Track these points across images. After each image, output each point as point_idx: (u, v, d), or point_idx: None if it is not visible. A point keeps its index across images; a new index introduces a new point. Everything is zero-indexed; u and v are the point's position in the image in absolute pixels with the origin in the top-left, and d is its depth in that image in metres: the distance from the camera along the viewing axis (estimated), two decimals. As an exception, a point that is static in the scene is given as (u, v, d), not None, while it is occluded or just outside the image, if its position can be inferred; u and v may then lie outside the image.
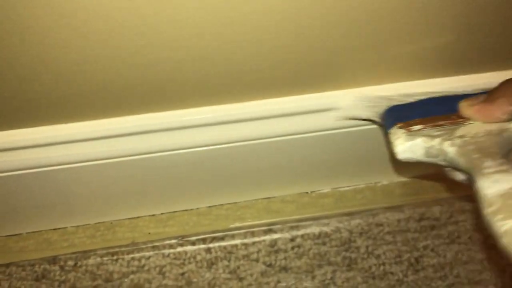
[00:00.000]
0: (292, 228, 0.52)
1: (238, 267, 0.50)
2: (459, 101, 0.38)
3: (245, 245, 0.51)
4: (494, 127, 0.35)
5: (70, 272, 0.49)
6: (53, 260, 0.49)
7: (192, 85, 0.41)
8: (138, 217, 0.53)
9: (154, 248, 0.50)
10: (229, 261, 0.51)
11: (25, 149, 0.43)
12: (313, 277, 0.50)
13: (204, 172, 0.51)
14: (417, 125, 0.38)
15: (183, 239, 0.51)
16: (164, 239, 0.51)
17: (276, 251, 0.51)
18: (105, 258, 0.50)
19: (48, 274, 0.49)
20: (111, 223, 0.53)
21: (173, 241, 0.51)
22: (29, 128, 0.42)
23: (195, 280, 0.50)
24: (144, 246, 0.50)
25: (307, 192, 0.56)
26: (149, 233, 0.52)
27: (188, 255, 0.51)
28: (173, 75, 0.39)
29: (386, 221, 0.53)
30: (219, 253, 0.51)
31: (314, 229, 0.52)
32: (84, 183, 0.49)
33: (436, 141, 0.36)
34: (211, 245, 0.51)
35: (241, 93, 0.44)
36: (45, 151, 0.43)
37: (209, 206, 0.55)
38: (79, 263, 0.49)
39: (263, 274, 0.50)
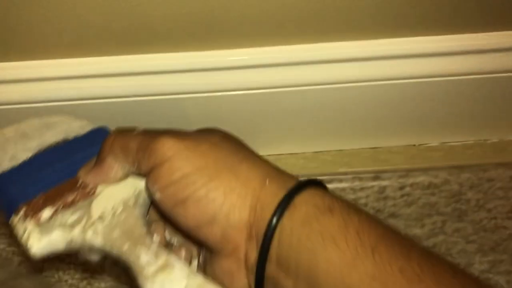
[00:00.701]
0: (400, 177, 0.52)
1: (346, 210, 0.51)
2: (76, 165, 0.33)
3: (353, 190, 0.52)
4: (127, 193, 0.32)
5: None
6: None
7: (333, 17, 0.41)
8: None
9: (264, 185, 0.52)
10: (337, 203, 0.51)
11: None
12: (423, 225, 0.50)
13: (313, 115, 0.51)
14: (45, 206, 0.31)
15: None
16: (273, 178, 0.52)
17: (385, 198, 0.51)
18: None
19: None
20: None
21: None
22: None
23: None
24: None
25: (414, 145, 0.55)
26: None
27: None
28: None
29: (497, 177, 0.52)
30: (327, 195, 0.51)
31: (423, 180, 0.52)
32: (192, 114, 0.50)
33: (77, 232, 0.30)
34: (319, 187, 0.52)
35: (374, 30, 0.44)
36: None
37: (315, 152, 0.55)
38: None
39: (372, 218, 0.50)
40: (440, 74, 0.47)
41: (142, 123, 0.38)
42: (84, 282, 0.47)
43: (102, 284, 0.46)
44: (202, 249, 0.33)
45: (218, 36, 0.44)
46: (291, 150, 0.55)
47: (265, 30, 0.44)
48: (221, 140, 0.32)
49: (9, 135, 0.36)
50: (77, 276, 0.47)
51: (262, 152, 0.55)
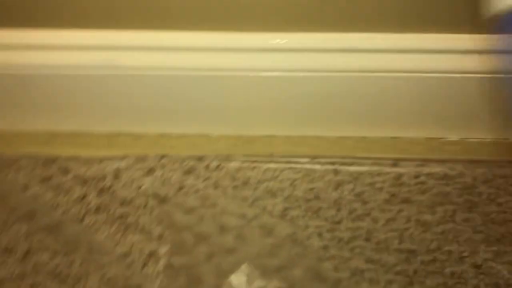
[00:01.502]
0: (417, 165, 0.55)
1: (363, 192, 0.54)
2: None
3: (371, 174, 0.55)
4: None
5: (213, 171, 0.55)
6: (200, 158, 0.56)
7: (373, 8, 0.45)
8: (273, 135, 0.59)
9: (288, 162, 0.55)
10: (355, 185, 0.55)
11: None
12: (434, 212, 0.53)
13: (338, 101, 0.55)
14: None
15: (314, 159, 0.56)
16: (297, 157, 0.56)
17: (400, 184, 0.54)
18: (244, 164, 0.55)
19: (194, 170, 0.55)
20: (250, 137, 0.58)
21: (305, 159, 0.56)
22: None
23: (322, 196, 0.54)
24: (280, 159, 0.56)
25: (434, 138, 0.58)
26: (284, 151, 0.57)
27: (318, 174, 0.55)
28: None
29: (511, 174, 0.55)
30: (346, 177, 0.55)
31: (439, 170, 0.55)
32: (230, 95, 0.54)
33: None
34: (339, 168, 0.55)
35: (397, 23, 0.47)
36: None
37: (338, 137, 0.59)
38: (222, 165, 0.55)
39: (386, 201, 0.54)
40: (461, 71, 0.50)
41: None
42: (119, 234, 0.52)
43: (136, 237, 0.51)
44: None
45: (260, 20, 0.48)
46: (316, 133, 0.59)
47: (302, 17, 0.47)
48: None
49: None
50: (114, 228, 0.52)
51: (290, 132, 0.59)
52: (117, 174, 0.55)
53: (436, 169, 0.55)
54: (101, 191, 0.54)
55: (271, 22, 0.49)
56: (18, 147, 0.57)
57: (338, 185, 0.55)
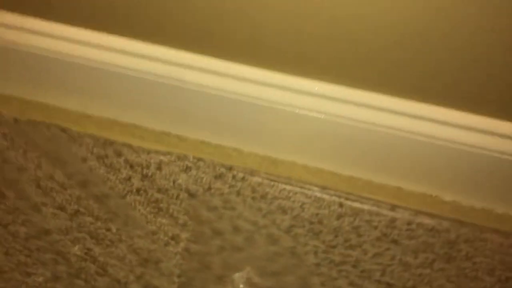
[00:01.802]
0: (411, 214, 0.64)
1: (360, 227, 0.63)
2: None
3: (370, 213, 0.64)
4: None
5: (238, 181, 0.65)
6: (230, 168, 0.66)
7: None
8: (295, 162, 0.68)
9: (302, 187, 0.65)
10: (354, 219, 0.64)
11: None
12: (416, 257, 0.62)
13: (356, 146, 0.64)
14: None
15: (324, 190, 0.65)
16: (311, 185, 0.65)
17: (393, 227, 0.63)
18: (265, 181, 0.65)
19: (223, 176, 0.65)
20: (275, 159, 0.68)
21: (317, 188, 0.65)
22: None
23: (325, 222, 0.63)
24: (295, 183, 0.65)
25: (431, 195, 0.67)
26: (301, 177, 0.67)
27: (325, 203, 0.64)
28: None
29: (490, 240, 0.63)
30: (348, 211, 0.64)
31: (429, 223, 0.63)
32: (267, 122, 0.64)
33: None
34: (344, 202, 0.64)
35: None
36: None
37: (350, 176, 0.68)
38: (246, 177, 0.65)
39: (378, 238, 0.62)
40: (466, 143, 0.59)
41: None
42: (152, 215, 0.62)
43: (164, 220, 0.61)
44: None
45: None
46: (331, 169, 0.68)
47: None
48: None
49: None
50: (148, 209, 0.62)
51: (306, 162, 0.68)
52: (159, 166, 0.65)
53: (427, 221, 0.63)
54: (144, 177, 0.64)
55: (315, 71, 0.59)
56: (84, 127, 0.68)
57: (340, 216, 0.64)
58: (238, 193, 0.64)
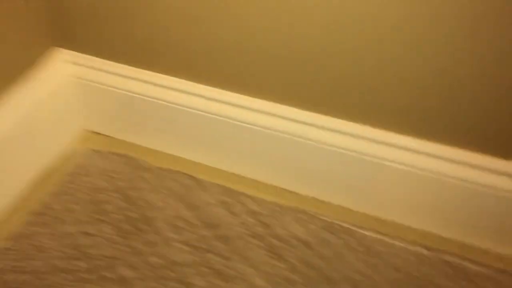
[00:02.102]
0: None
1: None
2: None
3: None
4: None
5: (347, 234, 0.70)
6: (340, 221, 0.71)
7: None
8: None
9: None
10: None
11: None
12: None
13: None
14: None
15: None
16: (414, 244, 0.69)
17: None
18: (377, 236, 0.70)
19: (332, 229, 0.71)
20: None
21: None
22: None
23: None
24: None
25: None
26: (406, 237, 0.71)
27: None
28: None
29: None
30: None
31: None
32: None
33: None
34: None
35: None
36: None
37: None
38: (354, 230, 0.70)
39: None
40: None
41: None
42: (267, 257, 0.68)
43: (280, 264, 0.67)
44: None
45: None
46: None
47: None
48: None
49: None
50: (265, 252, 0.68)
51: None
52: (276, 216, 0.73)
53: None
54: (263, 224, 0.72)
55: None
56: (214, 178, 0.78)
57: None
58: (348, 246, 0.69)
